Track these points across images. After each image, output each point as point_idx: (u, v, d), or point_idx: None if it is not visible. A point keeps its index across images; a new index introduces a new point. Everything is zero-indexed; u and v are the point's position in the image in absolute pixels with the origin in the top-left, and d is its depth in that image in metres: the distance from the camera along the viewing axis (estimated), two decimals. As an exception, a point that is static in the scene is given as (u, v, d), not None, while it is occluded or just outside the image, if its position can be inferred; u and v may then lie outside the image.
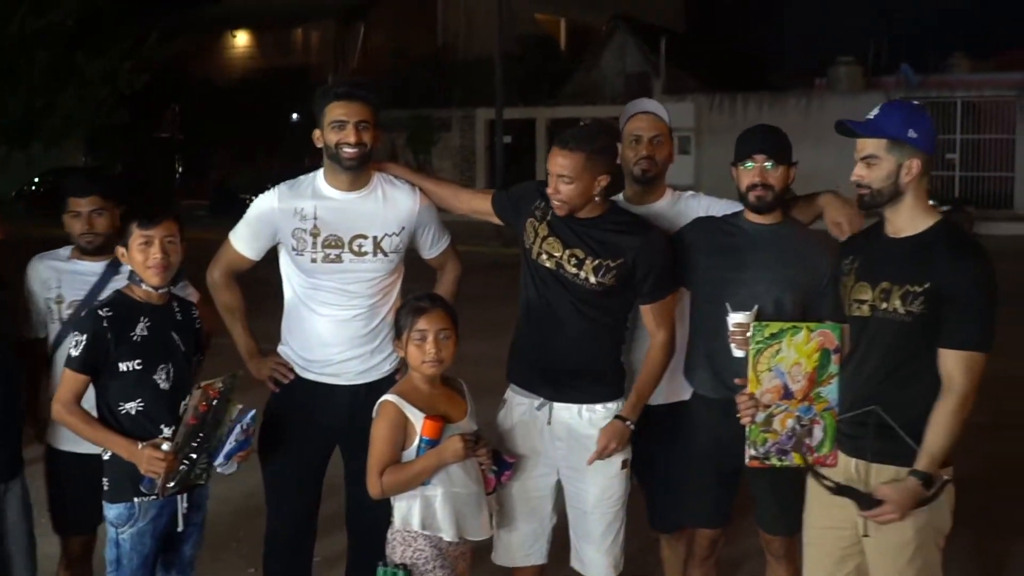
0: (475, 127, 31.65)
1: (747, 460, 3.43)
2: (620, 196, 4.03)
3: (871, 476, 3.23)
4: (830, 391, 3.35)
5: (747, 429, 3.39)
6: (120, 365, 3.43)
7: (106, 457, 3.48)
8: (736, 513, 3.94)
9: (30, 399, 4.00)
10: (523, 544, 3.85)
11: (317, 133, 3.84)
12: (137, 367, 3.44)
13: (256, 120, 32.79)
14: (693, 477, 3.87)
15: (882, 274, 3.22)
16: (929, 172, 3.23)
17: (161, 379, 3.48)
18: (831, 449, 3.37)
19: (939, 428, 3.12)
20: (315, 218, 3.82)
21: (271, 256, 3.99)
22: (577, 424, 3.74)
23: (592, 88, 31.16)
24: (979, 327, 3.12)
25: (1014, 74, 26.82)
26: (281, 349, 4.00)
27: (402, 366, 3.76)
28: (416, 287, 3.82)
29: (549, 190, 3.64)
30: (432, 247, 4.07)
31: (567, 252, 3.66)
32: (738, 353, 3.50)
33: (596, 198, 3.64)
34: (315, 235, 3.82)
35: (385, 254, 3.86)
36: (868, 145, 3.22)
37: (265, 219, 3.90)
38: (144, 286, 3.51)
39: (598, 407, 3.73)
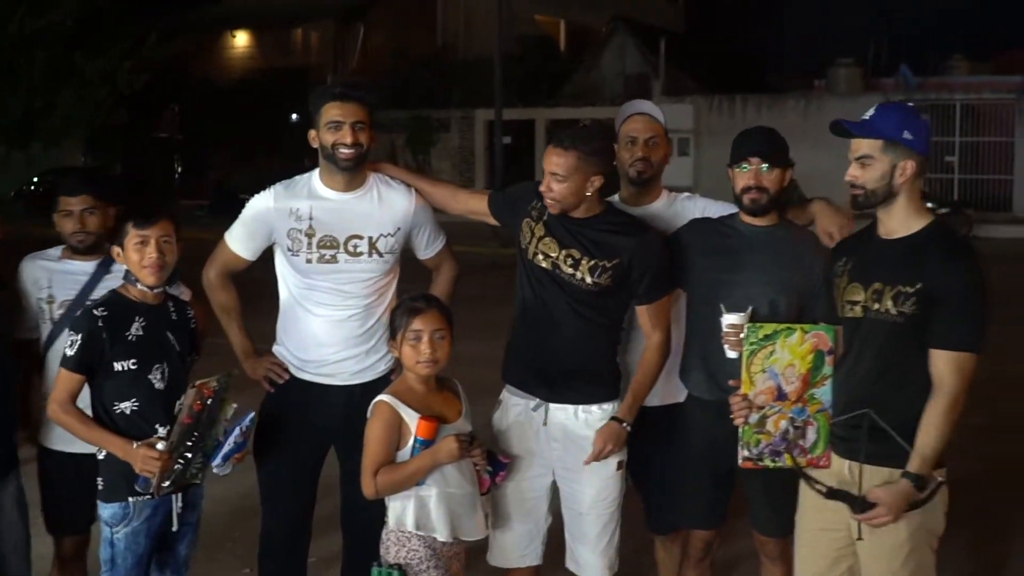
0: (474, 128, 31.66)
1: (740, 461, 3.43)
2: (616, 197, 4.03)
3: (864, 478, 3.23)
4: (824, 392, 3.35)
5: (740, 430, 3.39)
6: (115, 365, 3.43)
7: (101, 457, 3.48)
8: (731, 514, 3.94)
9: (23, 400, 4.00)
10: (518, 545, 3.85)
11: (313, 133, 3.84)
12: (132, 367, 3.45)
13: (256, 120, 32.80)
14: (688, 478, 3.87)
15: (874, 275, 3.22)
16: (923, 174, 3.24)
17: (156, 379, 3.48)
18: (824, 450, 3.37)
19: (930, 429, 3.12)
20: (310, 218, 3.82)
21: (267, 256, 4.00)
22: (573, 425, 3.74)
23: (591, 89, 31.19)
24: (970, 328, 3.12)
25: (1013, 77, 26.86)
26: (276, 349, 4.00)
27: (397, 366, 3.76)
28: (412, 287, 3.82)
29: (542, 187, 3.65)
30: (428, 248, 4.07)
31: (563, 252, 3.66)
32: (732, 354, 3.51)
33: (589, 198, 3.63)
34: (310, 235, 3.82)
35: (380, 255, 3.87)
36: (863, 145, 3.22)
37: (260, 219, 3.90)
38: (139, 286, 3.51)
39: (594, 408, 3.73)
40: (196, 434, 3.43)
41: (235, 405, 3.53)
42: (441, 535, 3.44)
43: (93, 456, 3.53)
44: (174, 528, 3.54)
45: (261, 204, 3.90)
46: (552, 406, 3.74)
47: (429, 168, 30.49)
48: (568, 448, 3.75)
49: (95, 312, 3.45)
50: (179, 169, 38.06)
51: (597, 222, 3.68)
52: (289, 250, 3.85)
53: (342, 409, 3.86)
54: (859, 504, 3.19)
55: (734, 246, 3.72)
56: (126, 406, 3.44)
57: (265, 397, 3.98)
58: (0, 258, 4.03)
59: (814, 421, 3.36)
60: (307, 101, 3.92)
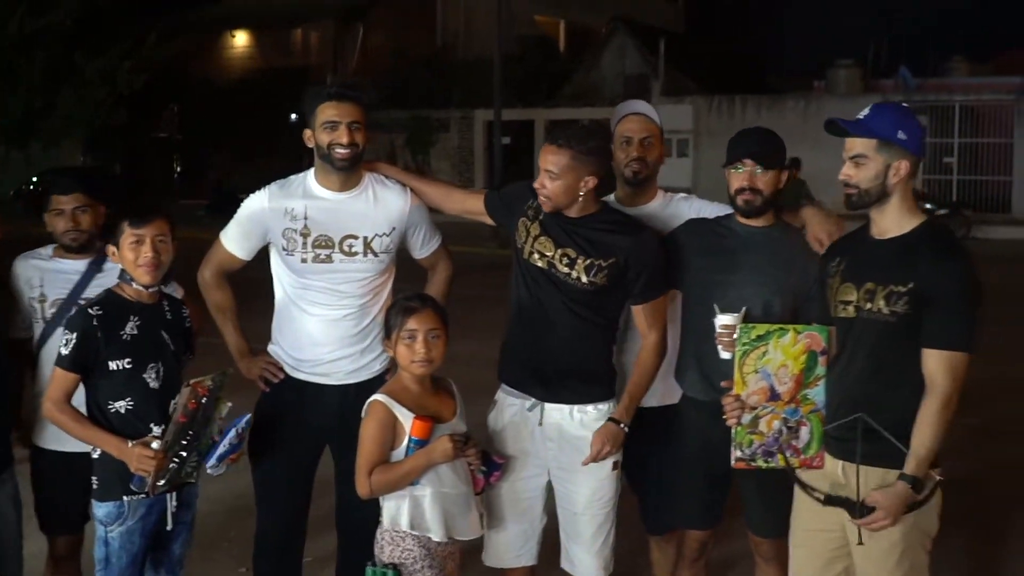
0: (473, 128, 31.66)
1: (733, 461, 3.43)
2: (611, 197, 4.03)
3: (858, 478, 3.23)
4: (817, 393, 3.36)
5: (733, 431, 3.40)
6: (110, 364, 3.43)
7: (95, 456, 3.49)
8: (726, 515, 3.94)
9: (16, 400, 4.00)
10: (513, 545, 3.85)
11: (308, 133, 3.84)
12: (127, 366, 3.45)
13: (255, 120, 32.80)
14: (683, 479, 3.87)
15: (867, 275, 3.23)
16: (916, 174, 3.24)
17: (151, 378, 3.49)
18: (818, 451, 3.37)
19: (925, 430, 3.12)
20: (305, 218, 3.83)
21: (263, 255, 4.00)
22: (568, 425, 3.74)
23: (591, 90, 31.18)
24: (962, 327, 3.13)
25: (1012, 78, 26.85)
26: (271, 348, 4.00)
27: (392, 366, 3.76)
28: (408, 287, 3.82)
29: (536, 184, 3.65)
30: (423, 247, 4.07)
31: (559, 251, 3.66)
32: (725, 355, 3.51)
33: (581, 198, 3.63)
34: (305, 235, 3.82)
35: (375, 254, 3.87)
36: (857, 144, 3.23)
37: (255, 219, 3.90)
38: (135, 285, 3.51)
39: (589, 408, 3.73)
40: (191, 433, 3.43)
41: (229, 404, 3.53)
42: (435, 535, 3.44)
43: (86, 455, 3.53)
44: (168, 527, 3.55)
45: (256, 204, 3.91)
46: (548, 406, 3.74)
47: (428, 168, 30.49)
48: (563, 448, 3.75)
49: (90, 311, 3.45)
50: (178, 169, 38.07)
51: (593, 221, 3.68)
52: (284, 250, 3.85)
53: (337, 408, 3.86)
54: (857, 509, 3.19)
55: (730, 246, 3.72)
56: (121, 405, 3.45)
57: (260, 397, 3.98)
58: (3, 258, 4.04)
59: (807, 421, 3.37)
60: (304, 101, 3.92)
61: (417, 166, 29.97)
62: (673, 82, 29.69)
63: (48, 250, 4.00)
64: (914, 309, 3.12)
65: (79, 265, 3.94)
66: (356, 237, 3.84)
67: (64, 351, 3.42)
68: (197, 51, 36.43)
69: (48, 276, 3.94)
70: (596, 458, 3.68)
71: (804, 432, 3.37)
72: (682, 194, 4.18)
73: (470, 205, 4.04)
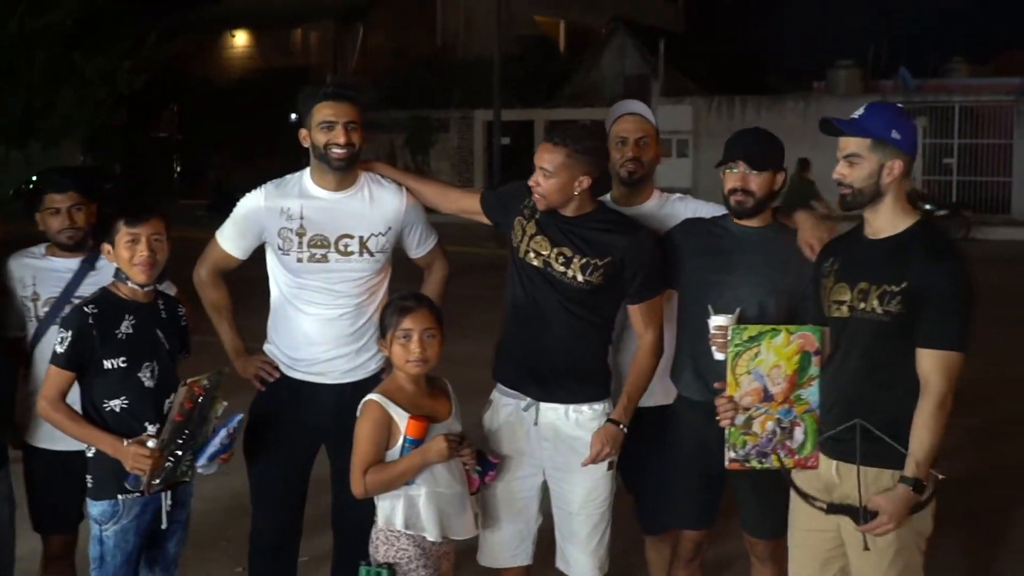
0: (473, 128, 31.64)
1: (727, 463, 3.43)
2: (607, 197, 4.03)
3: (859, 485, 3.21)
4: (811, 393, 3.35)
5: (727, 432, 3.40)
6: (105, 363, 3.44)
7: (90, 454, 3.49)
8: (722, 515, 3.94)
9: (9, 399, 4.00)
10: (508, 545, 3.85)
11: (304, 132, 3.84)
12: (122, 365, 3.45)
13: (255, 120, 32.78)
14: (678, 479, 3.87)
15: (860, 275, 3.23)
16: (909, 175, 3.25)
17: (146, 377, 3.49)
18: (812, 451, 3.37)
19: (922, 431, 3.12)
20: (301, 218, 3.83)
21: (259, 254, 4.00)
22: (563, 425, 3.74)
23: (591, 90, 31.16)
24: (955, 327, 3.13)
25: (1012, 79, 26.84)
26: (267, 347, 4.00)
27: (388, 365, 3.76)
28: (404, 287, 3.83)
29: (531, 181, 3.65)
30: (419, 247, 4.08)
31: (555, 250, 3.66)
32: (719, 356, 3.51)
33: (576, 197, 3.63)
34: (301, 235, 3.82)
35: (371, 254, 3.87)
36: (851, 144, 3.24)
37: (251, 218, 3.90)
38: (130, 284, 3.52)
39: (584, 408, 3.73)
40: (187, 432, 3.44)
41: (225, 403, 3.53)
42: (430, 534, 3.44)
43: (80, 454, 3.54)
44: (163, 526, 3.55)
45: (252, 203, 3.91)
46: (543, 406, 3.74)
47: (428, 168, 30.47)
48: (559, 448, 3.75)
49: (85, 309, 3.46)
50: (178, 169, 38.06)
51: (589, 220, 3.68)
52: (280, 249, 3.85)
53: (332, 408, 3.87)
54: (861, 515, 3.18)
55: (725, 247, 3.72)
56: (116, 404, 3.45)
57: (256, 396, 3.99)
58: (0, 257, 4.04)
59: (801, 422, 3.37)
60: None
61: (417, 166, 29.96)
62: (673, 82, 29.67)
63: (41, 249, 4.00)
64: (908, 309, 3.12)
65: (72, 264, 3.94)
66: (352, 237, 3.84)
67: (59, 349, 3.43)
68: (197, 51, 36.42)
69: (41, 275, 3.94)
70: (596, 459, 3.68)
71: (798, 432, 3.37)
72: (678, 194, 4.17)
73: (466, 204, 4.04)
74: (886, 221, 3.24)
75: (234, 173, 31.90)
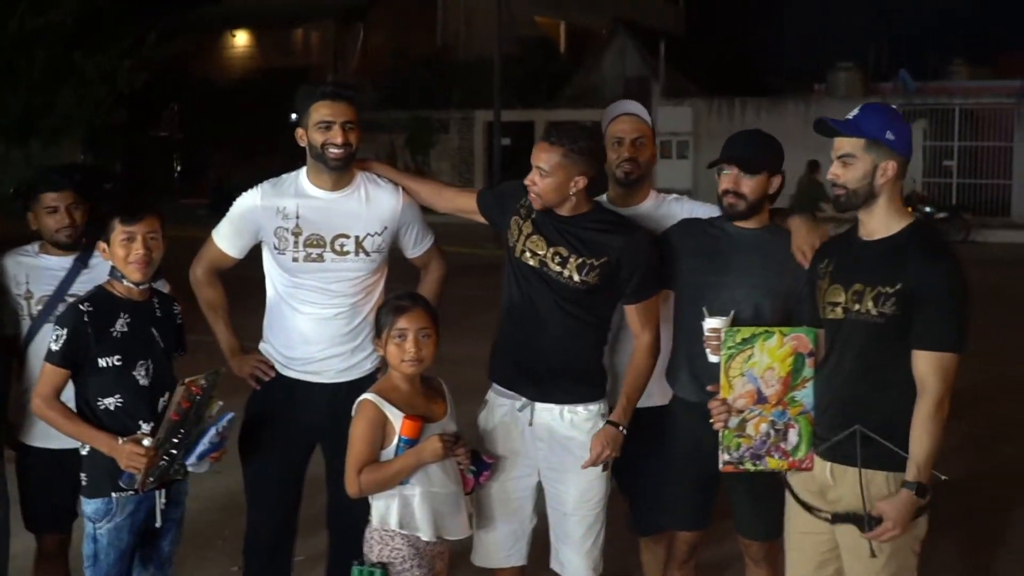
0: (473, 129, 31.64)
1: (721, 465, 3.43)
2: (604, 197, 4.03)
3: (863, 492, 3.21)
4: (805, 395, 3.35)
5: (720, 434, 3.40)
6: (100, 361, 3.44)
7: (84, 452, 3.49)
8: (718, 517, 3.94)
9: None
10: (503, 545, 3.85)
11: (300, 131, 3.84)
12: (116, 363, 3.45)
13: (255, 120, 32.77)
14: (673, 480, 3.87)
15: (855, 276, 3.23)
16: (904, 176, 3.25)
17: (140, 375, 3.49)
18: (807, 453, 3.37)
19: (921, 434, 3.12)
20: (297, 217, 3.83)
21: (256, 253, 4.00)
22: (558, 425, 3.73)
23: (591, 91, 31.15)
24: (951, 328, 3.12)
25: (1012, 81, 26.84)
26: (262, 347, 4.00)
27: (383, 365, 3.75)
28: (400, 287, 3.82)
29: (527, 180, 3.65)
30: (415, 247, 4.08)
31: (551, 250, 3.66)
32: (713, 358, 3.51)
33: (572, 197, 3.63)
34: (297, 234, 3.82)
35: (367, 254, 3.87)
36: (845, 144, 3.23)
37: (248, 217, 3.90)
38: (125, 282, 3.52)
39: (580, 408, 3.73)
40: (182, 431, 3.43)
41: (221, 403, 3.53)
42: (425, 534, 3.44)
43: (74, 452, 3.54)
44: (157, 524, 3.55)
45: (248, 202, 3.91)
46: (538, 406, 3.74)
47: (428, 169, 30.46)
48: (553, 448, 3.74)
49: (81, 307, 3.46)
50: (179, 168, 38.05)
51: (585, 220, 3.68)
52: (275, 248, 3.85)
53: (327, 407, 3.86)
54: (866, 522, 3.18)
55: (722, 248, 3.72)
56: (110, 402, 3.45)
57: (251, 395, 3.99)
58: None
59: (795, 424, 3.36)
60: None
61: (417, 167, 29.95)
62: (673, 84, 29.67)
63: (34, 247, 4.00)
64: (902, 310, 3.12)
65: (65, 262, 3.94)
66: (348, 236, 3.84)
67: (54, 347, 3.43)
68: (197, 51, 36.38)
69: (34, 273, 3.94)
70: (596, 461, 3.68)
71: (792, 434, 3.37)
72: (674, 195, 4.17)
73: (462, 203, 4.04)
74: (880, 222, 3.24)
75: (234, 172, 31.91)
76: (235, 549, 4.60)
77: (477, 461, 3.62)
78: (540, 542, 3.92)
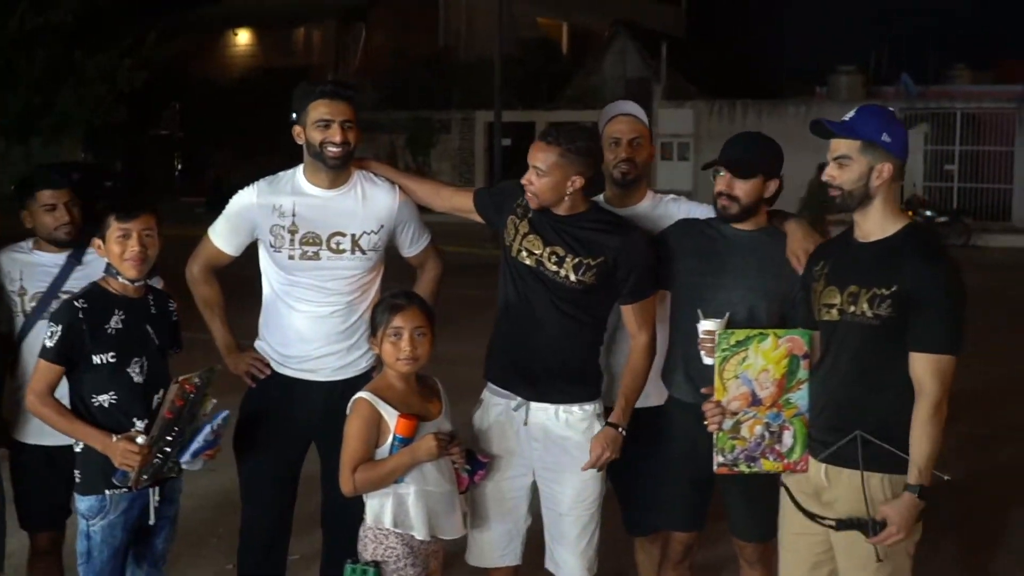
0: (474, 129, 31.63)
1: (715, 467, 3.43)
2: (600, 198, 4.02)
3: (866, 498, 3.20)
4: (800, 397, 3.35)
5: (715, 436, 3.39)
6: (94, 358, 3.43)
7: (78, 449, 3.49)
8: (713, 519, 3.94)
9: None
10: (497, 545, 3.84)
11: (298, 129, 3.84)
12: (111, 360, 3.45)
13: (256, 119, 32.76)
14: (668, 481, 3.87)
15: (850, 278, 3.22)
16: (899, 178, 3.24)
17: (135, 372, 3.49)
18: (802, 455, 3.37)
19: (920, 437, 3.11)
20: (293, 215, 3.83)
21: (252, 251, 4.00)
22: (553, 425, 3.73)
23: (592, 92, 31.14)
24: (947, 330, 3.12)
25: (1014, 86, 26.82)
26: (258, 344, 4.00)
27: (379, 364, 3.75)
28: (396, 285, 3.82)
29: (524, 180, 3.64)
30: (412, 245, 4.07)
31: (547, 250, 3.65)
32: (708, 360, 3.50)
33: (568, 196, 3.62)
34: (293, 232, 3.82)
35: (363, 252, 3.86)
36: (841, 146, 3.23)
37: (244, 215, 3.90)
38: (120, 279, 3.51)
39: (575, 408, 3.72)
40: (176, 429, 3.43)
41: (215, 401, 3.53)
42: (419, 533, 3.44)
43: (68, 449, 3.53)
44: (151, 521, 3.55)
45: (244, 200, 3.91)
46: (533, 406, 3.73)
47: (429, 169, 30.44)
48: (548, 448, 3.74)
49: (76, 304, 3.46)
50: (179, 167, 38.06)
51: (582, 220, 3.67)
52: (272, 246, 3.85)
53: (323, 405, 3.86)
54: (870, 527, 3.17)
55: (718, 249, 3.72)
56: (104, 399, 3.45)
57: (246, 393, 3.99)
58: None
59: (790, 425, 3.36)
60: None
61: (418, 167, 29.93)
62: (674, 86, 29.66)
63: (28, 243, 4.00)
64: (898, 312, 3.12)
65: (59, 259, 3.94)
66: (344, 234, 3.84)
67: (49, 343, 3.42)
68: (198, 51, 36.39)
69: (28, 269, 3.93)
70: (596, 464, 3.67)
71: (787, 436, 3.36)
72: (671, 195, 4.17)
73: (458, 202, 4.03)
74: (876, 224, 3.24)
75: (235, 171, 31.91)
76: (230, 547, 4.59)
77: (472, 460, 3.61)
78: (535, 542, 3.92)
